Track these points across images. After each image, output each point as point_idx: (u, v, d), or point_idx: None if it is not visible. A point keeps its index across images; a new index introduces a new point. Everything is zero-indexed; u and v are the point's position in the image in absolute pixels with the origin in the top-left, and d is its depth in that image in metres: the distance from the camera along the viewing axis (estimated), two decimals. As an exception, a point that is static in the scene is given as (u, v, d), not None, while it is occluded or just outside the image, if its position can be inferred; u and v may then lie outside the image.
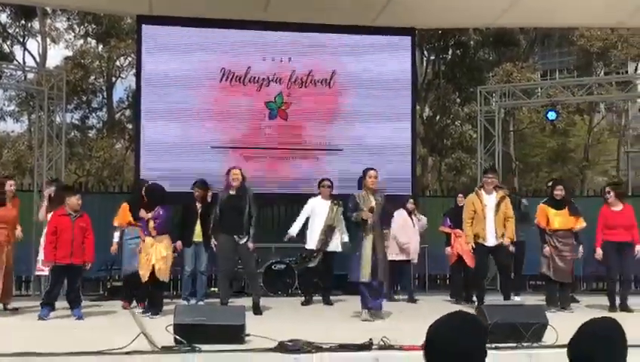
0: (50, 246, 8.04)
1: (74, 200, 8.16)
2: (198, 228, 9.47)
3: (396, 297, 10.69)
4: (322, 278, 10.16)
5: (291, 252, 11.61)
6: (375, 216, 8.04)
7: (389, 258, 10.05)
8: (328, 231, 9.84)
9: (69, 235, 8.00)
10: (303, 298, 10.14)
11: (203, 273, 9.53)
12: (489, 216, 8.90)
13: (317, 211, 9.96)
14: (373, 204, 8.03)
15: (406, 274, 10.78)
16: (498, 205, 8.92)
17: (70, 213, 8.11)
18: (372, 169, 8.30)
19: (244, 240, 8.59)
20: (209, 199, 9.58)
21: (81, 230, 8.11)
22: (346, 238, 9.73)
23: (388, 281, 9.03)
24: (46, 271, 8.72)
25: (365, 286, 8.02)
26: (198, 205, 9.53)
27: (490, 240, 8.89)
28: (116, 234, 9.64)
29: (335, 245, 9.86)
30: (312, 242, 9.90)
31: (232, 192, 8.69)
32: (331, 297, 10.08)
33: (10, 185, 8.95)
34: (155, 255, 8.23)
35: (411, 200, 10.77)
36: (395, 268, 10.22)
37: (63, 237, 8.00)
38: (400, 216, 10.43)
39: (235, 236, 8.56)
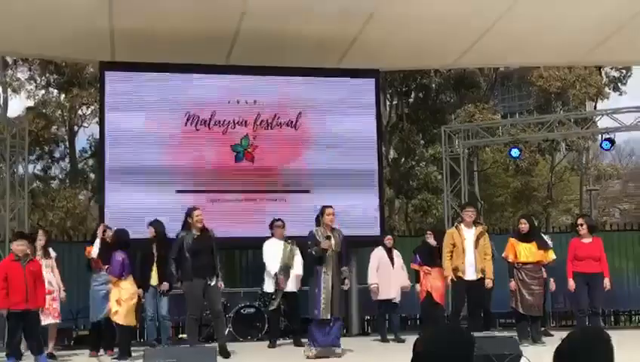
0: (2, 292, 7.81)
1: (15, 246, 8.01)
2: (154, 271, 9.32)
3: (388, 337, 10.52)
4: (289, 320, 10.08)
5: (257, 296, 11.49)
6: (333, 253, 8.12)
7: (379, 298, 10.10)
8: (284, 271, 9.83)
9: (21, 281, 7.82)
10: (269, 341, 10.04)
11: (165, 318, 9.38)
12: (469, 250, 8.95)
13: (271, 252, 9.95)
14: (332, 238, 8.08)
15: (390, 314, 10.67)
16: (477, 240, 8.98)
17: (20, 259, 7.94)
18: (329, 206, 8.50)
19: (214, 281, 8.50)
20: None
21: (33, 275, 7.94)
22: (300, 272, 9.73)
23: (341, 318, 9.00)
24: None
25: (320, 323, 8.02)
26: (154, 247, 9.39)
27: (470, 274, 8.92)
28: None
29: (293, 285, 9.83)
30: (269, 284, 9.89)
31: (197, 233, 8.60)
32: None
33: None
34: (112, 298, 8.17)
35: (389, 236, 10.77)
36: (383, 307, 10.34)
37: (14, 284, 7.81)
38: (374, 256, 10.42)
39: (206, 278, 8.46)
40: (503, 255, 9.58)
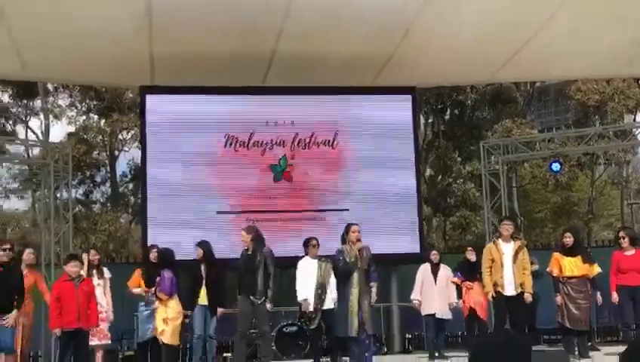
0: (55, 312, 8.01)
1: (69, 267, 8.16)
2: (203, 291, 9.40)
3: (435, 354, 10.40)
4: (329, 337, 10.06)
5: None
6: (360, 270, 8.10)
7: (423, 313, 10.05)
8: (321, 289, 9.81)
9: (73, 301, 7.97)
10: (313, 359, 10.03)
11: (212, 337, 9.42)
12: (507, 265, 8.85)
13: (306, 271, 9.93)
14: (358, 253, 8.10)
15: (436, 331, 10.59)
16: (516, 254, 8.88)
17: (72, 279, 8.08)
18: (354, 224, 8.49)
19: (260, 300, 8.54)
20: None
21: (85, 294, 8.10)
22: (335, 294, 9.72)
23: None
24: None
25: (353, 341, 7.99)
26: (202, 267, 9.46)
27: (509, 290, 8.81)
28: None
29: (330, 302, 9.79)
30: (307, 303, 9.87)
31: (248, 252, 8.71)
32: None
33: (28, 253, 8.96)
34: (158, 317, 8.23)
35: (434, 252, 10.72)
36: (428, 323, 10.35)
37: (67, 303, 7.97)
38: (419, 271, 10.40)
39: (251, 297, 8.51)
40: (547, 269, 9.47)
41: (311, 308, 9.63)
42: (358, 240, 8.24)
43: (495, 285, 8.87)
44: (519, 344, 2.41)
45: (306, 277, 9.78)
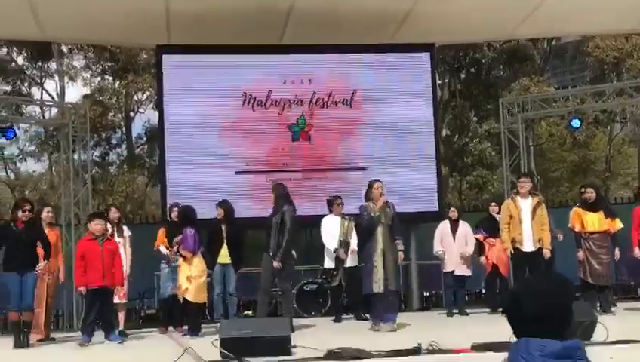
0: (80, 271, 8.08)
1: (93, 225, 8.20)
2: (224, 250, 9.44)
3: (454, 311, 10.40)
4: (350, 295, 10.11)
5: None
6: (384, 227, 8.06)
7: (444, 270, 10.08)
8: (344, 246, 9.82)
9: (98, 259, 8.03)
10: (334, 316, 10.09)
11: (233, 294, 9.48)
12: (525, 221, 8.83)
13: (330, 229, 9.94)
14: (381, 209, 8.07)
15: (456, 286, 10.60)
16: (534, 210, 8.85)
17: (97, 238, 8.13)
18: (377, 180, 8.41)
19: (275, 259, 8.58)
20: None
21: (110, 253, 8.16)
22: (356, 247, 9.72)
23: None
24: None
25: (378, 297, 7.99)
26: (223, 227, 9.48)
27: (528, 246, 8.80)
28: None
29: (352, 260, 9.81)
30: (329, 261, 9.90)
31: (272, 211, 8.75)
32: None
33: (47, 212, 9.00)
34: (182, 275, 8.26)
35: (452, 208, 10.68)
36: (447, 280, 10.36)
37: (92, 262, 8.03)
38: (438, 229, 10.38)
39: (270, 255, 8.55)
40: (569, 225, 9.42)
41: (344, 256, 9.65)
42: (382, 195, 8.18)
43: (514, 241, 8.87)
44: (563, 285, 2.37)
45: (330, 235, 9.80)
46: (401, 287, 10.11)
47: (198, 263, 8.36)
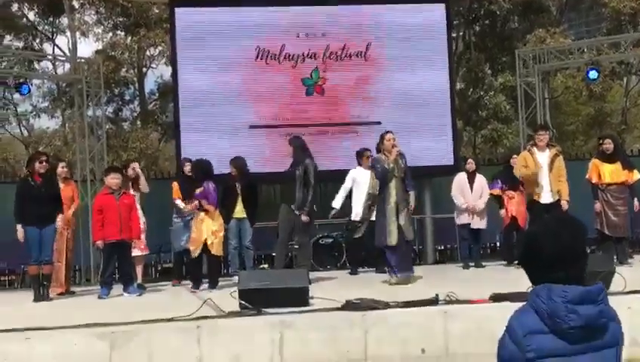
0: (97, 225, 8.15)
1: (109, 179, 8.23)
2: (239, 205, 9.46)
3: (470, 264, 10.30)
4: (372, 249, 10.11)
5: (335, 227, 11.59)
6: (396, 179, 8.00)
7: (459, 223, 10.05)
8: (372, 199, 9.76)
9: (115, 213, 8.08)
10: (350, 269, 10.12)
11: (249, 247, 9.52)
12: (543, 173, 8.77)
13: (359, 181, 9.87)
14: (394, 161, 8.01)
15: (471, 240, 10.54)
16: (552, 162, 8.79)
17: (113, 192, 8.17)
18: (388, 132, 8.31)
19: (299, 211, 8.59)
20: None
21: (127, 207, 8.21)
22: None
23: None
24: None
25: (392, 250, 7.98)
26: (237, 183, 9.49)
27: (546, 197, 8.76)
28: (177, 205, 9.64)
29: None
30: (357, 213, 9.86)
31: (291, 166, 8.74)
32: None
33: (62, 167, 9.01)
34: (205, 230, 8.24)
35: (470, 161, 10.58)
36: (463, 233, 10.30)
37: (109, 216, 8.08)
38: (455, 181, 10.30)
39: (292, 206, 8.55)
40: (586, 176, 9.36)
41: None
42: (394, 146, 8.09)
43: (531, 193, 8.83)
44: (575, 226, 2.34)
45: (359, 187, 9.72)
46: (414, 238, 10.03)
47: (218, 217, 8.37)
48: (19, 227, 7.94)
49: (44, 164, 8.12)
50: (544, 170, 8.80)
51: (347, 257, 11.20)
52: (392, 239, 7.93)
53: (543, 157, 8.91)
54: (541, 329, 2.19)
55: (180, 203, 8.90)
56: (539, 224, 2.39)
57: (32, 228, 7.95)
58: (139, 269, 9.11)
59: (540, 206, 8.82)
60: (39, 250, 7.96)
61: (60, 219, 8.10)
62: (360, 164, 10.02)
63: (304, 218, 8.46)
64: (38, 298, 7.96)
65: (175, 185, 9.65)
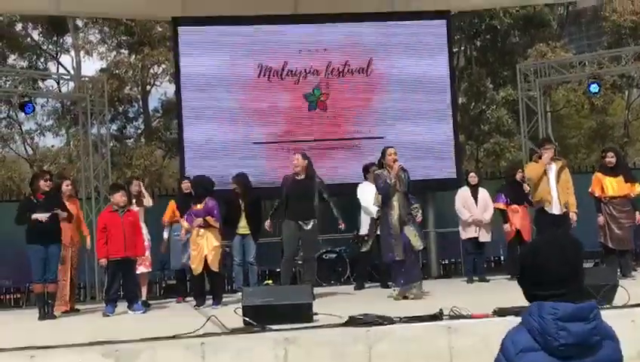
0: (101, 242, 8.18)
1: (117, 197, 8.28)
2: (243, 221, 9.51)
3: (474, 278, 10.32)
4: (379, 263, 10.13)
5: (338, 242, 11.62)
6: (399, 194, 8.02)
7: (464, 237, 10.06)
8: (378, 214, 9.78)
9: (119, 230, 8.12)
10: (355, 283, 10.13)
11: (253, 263, 9.56)
12: (551, 185, 8.82)
13: (366, 196, 9.91)
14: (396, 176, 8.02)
15: (476, 253, 10.55)
16: (559, 175, 8.84)
17: (117, 209, 8.21)
18: (390, 147, 8.35)
19: (310, 225, 8.62)
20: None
21: (131, 224, 8.25)
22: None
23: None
24: None
25: (398, 264, 8.00)
26: (240, 199, 9.53)
27: (554, 209, 8.80)
28: (165, 233, 9.75)
29: None
30: (365, 226, 9.90)
31: (297, 177, 8.74)
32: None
33: (66, 185, 9.05)
34: (206, 246, 8.28)
35: (472, 174, 10.62)
36: (467, 246, 10.30)
37: (113, 233, 8.12)
38: (458, 195, 10.33)
39: (299, 222, 8.58)
40: (589, 190, 9.38)
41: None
42: (395, 161, 8.12)
43: (541, 202, 8.87)
44: (572, 246, 2.36)
45: (367, 202, 9.73)
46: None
47: (216, 233, 8.40)
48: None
49: (48, 182, 8.18)
50: (552, 182, 8.84)
51: (353, 271, 11.21)
52: (398, 253, 7.95)
53: (550, 169, 8.97)
54: (533, 347, 2.20)
55: (184, 222, 8.97)
56: (533, 243, 2.42)
57: (36, 247, 7.98)
58: (143, 287, 9.15)
59: (548, 217, 8.85)
60: (44, 269, 7.98)
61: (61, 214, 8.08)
62: (366, 179, 10.07)
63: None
64: (43, 316, 7.99)
65: (171, 203, 9.71)
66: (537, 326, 2.19)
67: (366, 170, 10.17)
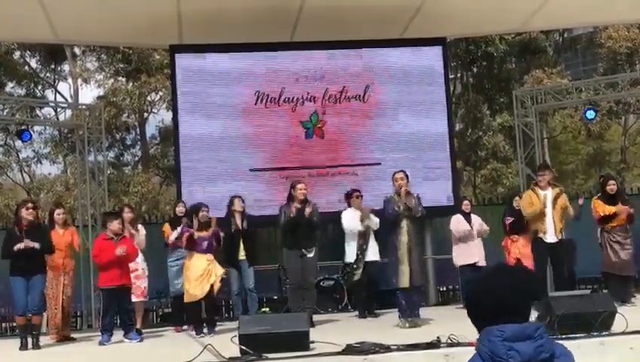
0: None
1: (115, 224, 8.23)
2: (240, 248, 9.49)
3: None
4: (368, 290, 10.11)
5: (335, 269, 11.57)
6: (408, 220, 7.94)
7: (460, 264, 10.03)
8: (363, 240, 9.77)
9: (114, 258, 8.04)
10: (358, 312, 10.06)
11: (252, 291, 9.51)
12: (547, 212, 8.80)
13: (350, 223, 9.90)
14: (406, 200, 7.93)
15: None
16: (555, 201, 8.82)
17: (112, 237, 8.17)
18: (399, 171, 8.30)
19: (312, 253, 8.60)
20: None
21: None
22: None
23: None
24: None
25: (404, 292, 7.89)
26: (239, 222, 9.50)
27: (550, 237, 8.77)
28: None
29: (373, 253, 9.77)
30: (351, 255, 9.86)
31: (297, 205, 8.72)
32: (380, 311, 9.96)
33: (58, 213, 8.98)
34: (214, 273, 8.26)
35: (465, 202, 10.65)
36: (465, 273, 10.29)
37: (108, 261, 8.06)
38: (454, 217, 10.34)
39: (301, 250, 8.56)
40: (594, 215, 9.33)
41: (375, 226, 9.60)
42: (402, 186, 8.04)
43: (536, 232, 8.84)
44: (526, 277, 2.42)
45: (350, 229, 9.74)
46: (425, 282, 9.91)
47: (204, 261, 8.36)
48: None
49: (30, 211, 8.09)
50: (548, 209, 8.83)
51: (352, 300, 11.16)
52: (404, 281, 7.80)
53: (546, 196, 8.96)
54: None
55: (172, 236, 8.98)
56: (476, 280, 2.51)
57: (18, 278, 7.88)
58: (139, 316, 9.07)
59: (544, 245, 8.84)
60: (25, 301, 7.87)
61: (30, 244, 7.90)
62: (349, 205, 10.05)
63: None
64: (24, 346, 7.85)
65: (166, 226, 9.73)
66: (487, 351, 2.28)
67: (348, 196, 10.16)
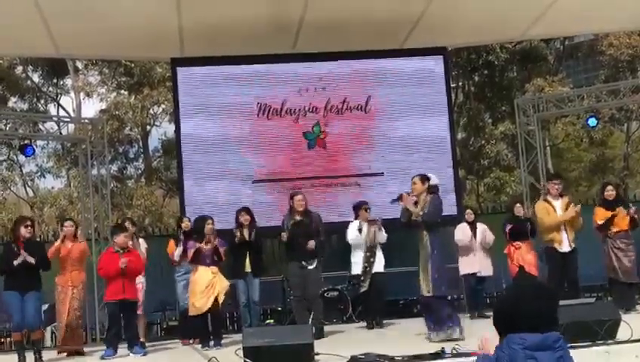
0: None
1: (121, 238, 8.25)
2: (246, 260, 9.48)
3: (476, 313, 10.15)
4: (375, 300, 10.08)
5: (339, 280, 11.56)
6: (426, 227, 7.79)
7: (463, 272, 9.99)
8: (370, 252, 9.76)
9: (119, 272, 8.04)
10: (366, 324, 10.00)
11: (257, 303, 9.49)
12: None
13: (356, 234, 9.88)
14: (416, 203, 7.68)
15: (476, 289, 10.51)
16: (566, 210, 8.87)
17: (118, 251, 8.18)
18: (414, 176, 7.92)
19: (313, 265, 8.59)
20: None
21: (132, 265, 8.16)
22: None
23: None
24: None
25: (426, 301, 7.74)
26: (246, 233, 9.49)
27: (564, 246, 8.83)
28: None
29: (379, 265, 9.76)
30: (357, 266, 9.85)
31: (297, 218, 8.71)
32: (385, 321, 9.93)
33: (67, 226, 8.99)
34: (219, 285, 8.26)
35: (469, 211, 10.66)
36: (468, 282, 10.28)
37: (113, 275, 8.05)
38: (459, 227, 10.36)
39: (303, 262, 8.55)
40: (597, 224, 9.31)
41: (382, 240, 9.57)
42: (409, 194, 7.85)
43: (552, 241, 8.89)
44: (545, 291, 2.44)
45: (356, 241, 9.72)
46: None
47: (208, 274, 8.36)
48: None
49: (28, 228, 8.11)
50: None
51: (356, 311, 11.14)
52: (427, 290, 7.47)
53: (558, 205, 9.03)
54: None
55: (176, 254, 8.98)
56: (507, 292, 2.55)
57: (12, 294, 7.87)
58: (142, 326, 9.05)
59: (558, 254, 8.89)
60: (21, 317, 7.86)
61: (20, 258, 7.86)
62: (357, 217, 10.04)
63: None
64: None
65: (171, 243, 9.71)
66: (506, 356, 2.30)
67: (357, 208, 10.13)
